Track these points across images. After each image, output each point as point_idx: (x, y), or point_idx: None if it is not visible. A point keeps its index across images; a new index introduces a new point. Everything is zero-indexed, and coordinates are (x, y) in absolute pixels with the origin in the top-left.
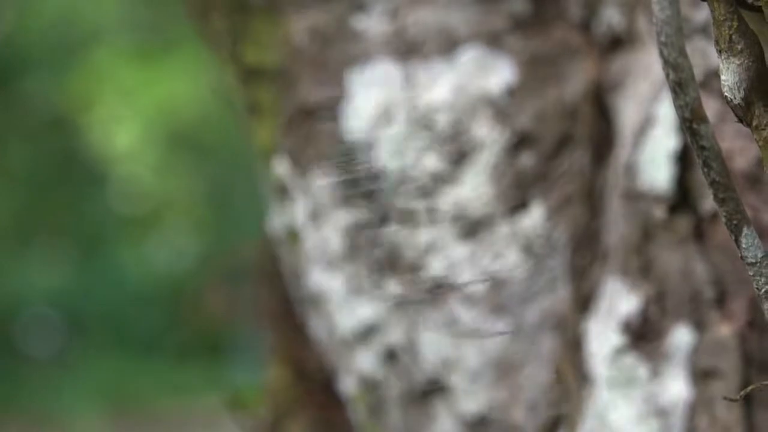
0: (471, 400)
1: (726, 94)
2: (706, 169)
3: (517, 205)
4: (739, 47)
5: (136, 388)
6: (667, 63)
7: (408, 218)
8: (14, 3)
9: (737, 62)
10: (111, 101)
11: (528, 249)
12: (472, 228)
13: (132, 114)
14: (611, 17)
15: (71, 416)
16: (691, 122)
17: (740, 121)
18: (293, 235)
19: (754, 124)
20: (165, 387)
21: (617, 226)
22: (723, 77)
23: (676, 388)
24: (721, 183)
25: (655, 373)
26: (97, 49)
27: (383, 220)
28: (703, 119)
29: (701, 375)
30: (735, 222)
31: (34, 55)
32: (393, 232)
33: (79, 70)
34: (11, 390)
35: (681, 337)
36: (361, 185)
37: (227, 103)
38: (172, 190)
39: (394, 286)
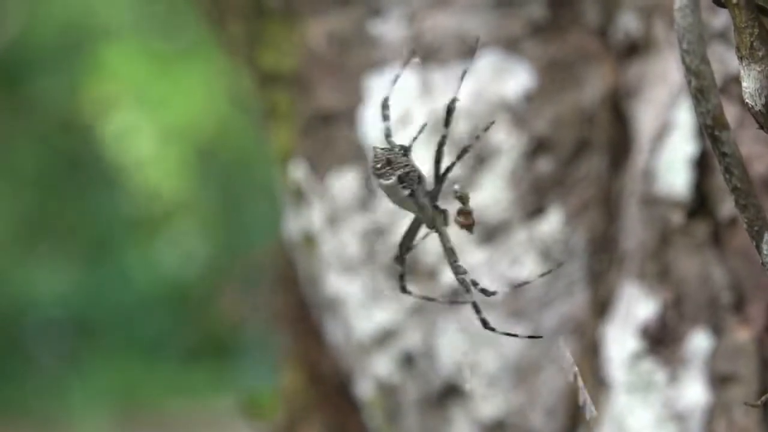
0: (488, 404)
1: (747, 100)
2: (727, 176)
3: (535, 211)
4: (761, 54)
5: (145, 390)
6: (689, 70)
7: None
8: (24, 4)
9: (758, 69)
10: (123, 104)
11: (546, 254)
12: (490, 233)
13: (145, 118)
14: (628, 23)
15: (79, 419)
16: (712, 129)
17: (761, 127)
18: (310, 240)
19: None
20: (173, 389)
21: (635, 232)
22: (744, 84)
23: (694, 392)
24: (743, 189)
25: (673, 377)
26: (108, 52)
27: (434, 220)
28: (725, 126)
29: (719, 380)
30: (756, 228)
31: (43, 57)
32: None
33: (90, 72)
34: (19, 392)
35: (699, 341)
36: (409, 186)
37: (240, 107)
38: (182, 194)
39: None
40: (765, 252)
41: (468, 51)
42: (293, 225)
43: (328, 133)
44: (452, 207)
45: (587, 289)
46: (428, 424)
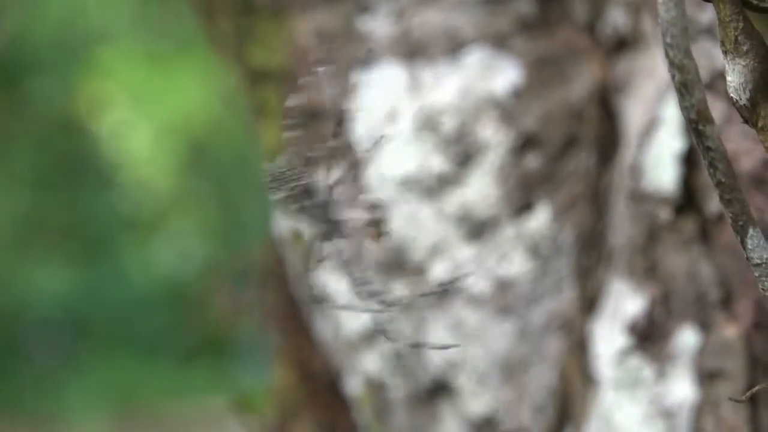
0: (477, 401)
1: (731, 95)
2: (711, 170)
3: (523, 207)
4: (745, 48)
5: (142, 390)
6: (672, 64)
7: (414, 219)
8: (21, 3)
9: (743, 63)
10: (119, 104)
11: (534, 250)
12: (477, 229)
13: (140, 117)
14: (616, 19)
15: (77, 418)
16: (697, 123)
17: (746, 122)
18: (299, 237)
19: (760, 125)
20: (171, 389)
21: (623, 228)
22: (729, 78)
23: (682, 389)
24: (727, 184)
25: (661, 374)
26: (104, 51)
27: (329, 233)
28: (709, 120)
29: (707, 376)
30: (741, 223)
31: (40, 57)
32: (398, 233)
33: (87, 72)
34: (17, 392)
35: (686, 338)
36: (299, 201)
37: (234, 106)
38: (179, 193)
39: (400, 288)
40: (749, 247)
41: (456, 47)
42: (283, 222)
43: (317, 130)
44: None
45: (575, 286)
46: (417, 422)
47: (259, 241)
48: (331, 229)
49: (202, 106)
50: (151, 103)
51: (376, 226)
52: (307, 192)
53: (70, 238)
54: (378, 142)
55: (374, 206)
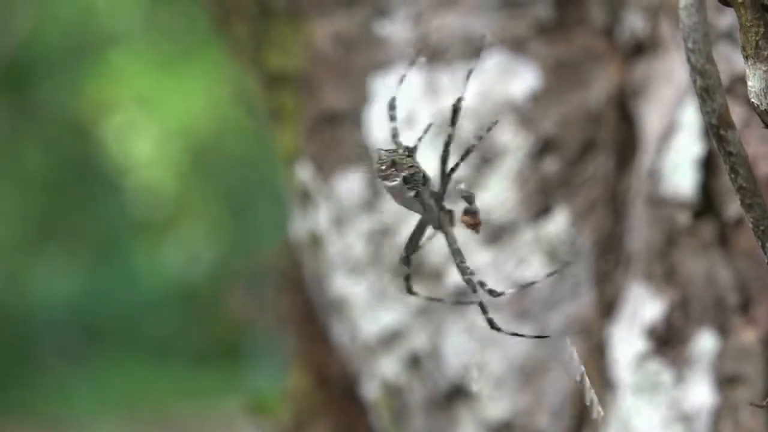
0: (495, 405)
1: (752, 100)
2: (733, 175)
3: (541, 211)
4: (766, 53)
5: (152, 392)
6: (694, 69)
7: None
8: (30, 7)
9: (764, 68)
10: (128, 107)
11: (552, 254)
12: (496, 234)
13: (150, 119)
14: (634, 23)
15: (88, 420)
16: (718, 128)
17: (766, 126)
18: (316, 241)
19: None
20: (181, 391)
21: (641, 232)
22: (749, 83)
23: (700, 393)
24: (748, 189)
25: (679, 378)
26: (114, 55)
27: (441, 221)
28: (730, 125)
29: (725, 381)
30: (762, 228)
31: (50, 60)
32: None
33: (96, 75)
34: (27, 394)
35: (705, 342)
36: (415, 188)
37: (246, 109)
38: (189, 196)
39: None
40: None
41: (474, 51)
42: (300, 226)
43: (334, 134)
44: (457, 207)
45: (593, 290)
46: (434, 425)
47: (268, 244)
48: (442, 216)
49: (210, 110)
50: (160, 107)
51: (473, 215)
52: (421, 179)
53: (80, 241)
54: (491, 127)
55: (469, 195)
